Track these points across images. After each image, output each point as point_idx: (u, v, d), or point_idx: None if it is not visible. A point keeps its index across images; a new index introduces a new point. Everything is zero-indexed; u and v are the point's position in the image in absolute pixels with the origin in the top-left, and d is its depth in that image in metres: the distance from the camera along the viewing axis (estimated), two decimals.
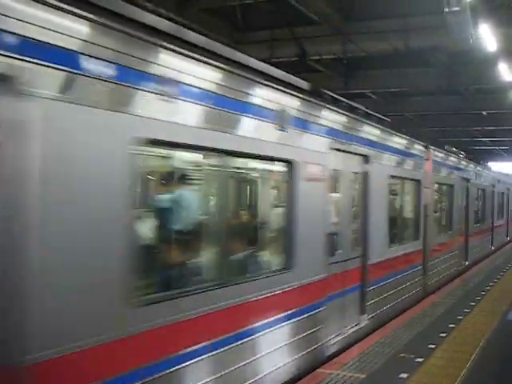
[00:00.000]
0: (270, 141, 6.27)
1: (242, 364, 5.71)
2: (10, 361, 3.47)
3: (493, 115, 23.38)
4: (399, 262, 10.82)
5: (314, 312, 7.20)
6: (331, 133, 7.86)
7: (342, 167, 8.40)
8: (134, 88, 4.40)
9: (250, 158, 6.31)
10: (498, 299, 12.16)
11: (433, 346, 8.19)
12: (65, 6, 3.81)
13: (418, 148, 12.62)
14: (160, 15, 5.45)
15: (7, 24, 3.41)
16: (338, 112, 8.39)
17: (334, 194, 8.19)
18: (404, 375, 6.87)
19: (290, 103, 6.81)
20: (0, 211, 3.45)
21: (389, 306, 10.13)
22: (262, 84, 6.20)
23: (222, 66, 5.49)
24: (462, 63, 16.19)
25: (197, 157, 5.78)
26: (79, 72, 3.90)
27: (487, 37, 10.80)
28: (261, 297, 6.03)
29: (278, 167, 7.01)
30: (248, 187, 7.58)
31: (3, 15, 3.39)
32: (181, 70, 4.95)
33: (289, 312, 6.61)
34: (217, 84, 5.44)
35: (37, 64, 3.60)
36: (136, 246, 4.42)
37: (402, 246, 11.28)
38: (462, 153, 18.73)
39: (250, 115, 5.92)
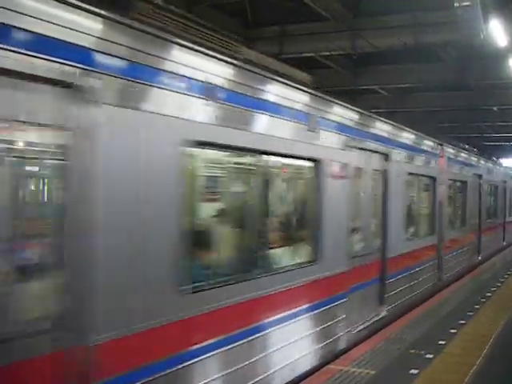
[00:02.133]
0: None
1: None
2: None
3: (504, 111, 23.23)
4: None
5: None
6: None
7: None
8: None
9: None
10: (508, 295, 12.13)
11: (443, 342, 8.18)
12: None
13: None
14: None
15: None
16: None
17: None
18: (414, 371, 6.87)
19: None
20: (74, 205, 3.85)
21: None
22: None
23: None
24: (472, 58, 16.11)
25: None
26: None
27: (498, 32, 10.73)
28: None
29: None
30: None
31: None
32: None
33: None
34: None
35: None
36: None
37: None
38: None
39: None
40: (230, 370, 5.46)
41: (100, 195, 4.08)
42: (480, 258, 17.84)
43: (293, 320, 6.59)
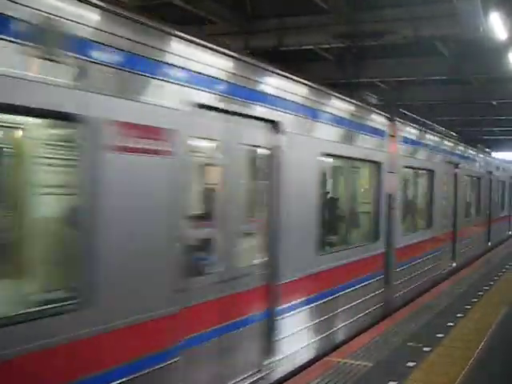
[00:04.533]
0: None
1: None
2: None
3: (503, 105, 23.23)
4: None
5: None
6: None
7: None
8: None
9: None
10: (505, 289, 12.16)
11: (440, 336, 8.21)
12: None
13: None
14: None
15: None
16: None
17: None
18: (411, 364, 6.90)
19: None
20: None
21: None
22: None
23: None
24: (471, 52, 16.07)
25: None
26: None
27: (498, 26, 10.70)
28: None
29: None
30: None
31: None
32: None
33: None
34: None
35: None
36: None
37: None
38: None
39: None
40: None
41: None
42: (455, 264, 15.33)
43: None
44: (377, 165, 9.80)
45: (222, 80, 5.59)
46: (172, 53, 4.95)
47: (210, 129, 5.54)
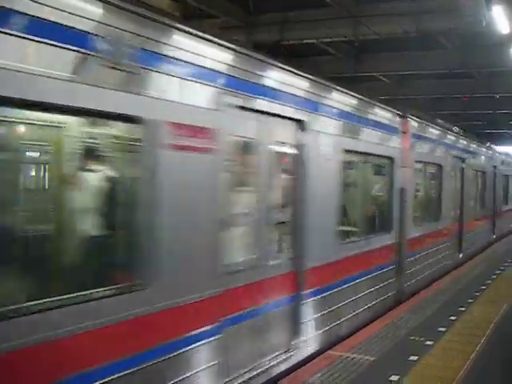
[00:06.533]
0: None
1: None
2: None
3: (506, 98, 23.19)
4: None
5: None
6: None
7: None
8: None
9: None
10: (507, 284, 12.17)
11: (443, 329, 8.22)
12: None
13: None
14: None
15: None
16: None
17: None
18: (414, 358, 6.91)
19: None
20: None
21: None
22: None
23: None
24: (474, 46, 16.05)
25: None
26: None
27: (500, 19, 10.67)
28: None
29: None
30: None
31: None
32: None
33: None
34: None
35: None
36: None
37: None
38: None
39: None
40: None
41: None
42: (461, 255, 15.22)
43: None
44: None
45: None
46: None
47: None
